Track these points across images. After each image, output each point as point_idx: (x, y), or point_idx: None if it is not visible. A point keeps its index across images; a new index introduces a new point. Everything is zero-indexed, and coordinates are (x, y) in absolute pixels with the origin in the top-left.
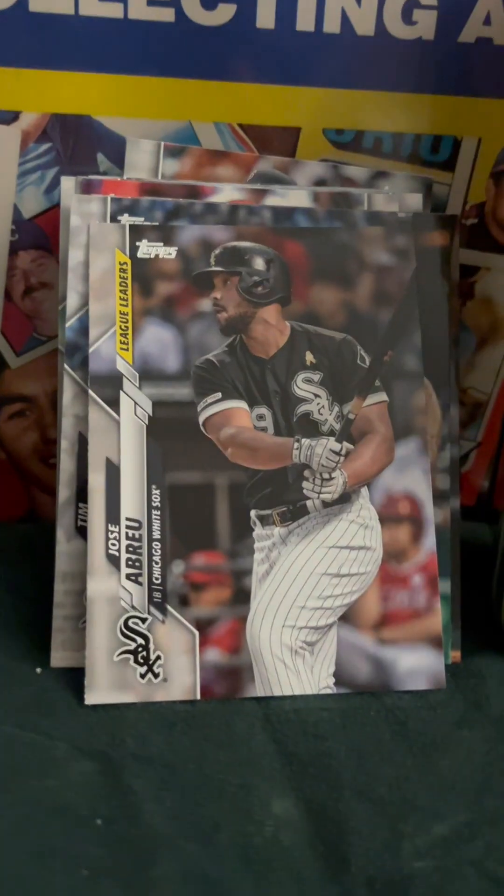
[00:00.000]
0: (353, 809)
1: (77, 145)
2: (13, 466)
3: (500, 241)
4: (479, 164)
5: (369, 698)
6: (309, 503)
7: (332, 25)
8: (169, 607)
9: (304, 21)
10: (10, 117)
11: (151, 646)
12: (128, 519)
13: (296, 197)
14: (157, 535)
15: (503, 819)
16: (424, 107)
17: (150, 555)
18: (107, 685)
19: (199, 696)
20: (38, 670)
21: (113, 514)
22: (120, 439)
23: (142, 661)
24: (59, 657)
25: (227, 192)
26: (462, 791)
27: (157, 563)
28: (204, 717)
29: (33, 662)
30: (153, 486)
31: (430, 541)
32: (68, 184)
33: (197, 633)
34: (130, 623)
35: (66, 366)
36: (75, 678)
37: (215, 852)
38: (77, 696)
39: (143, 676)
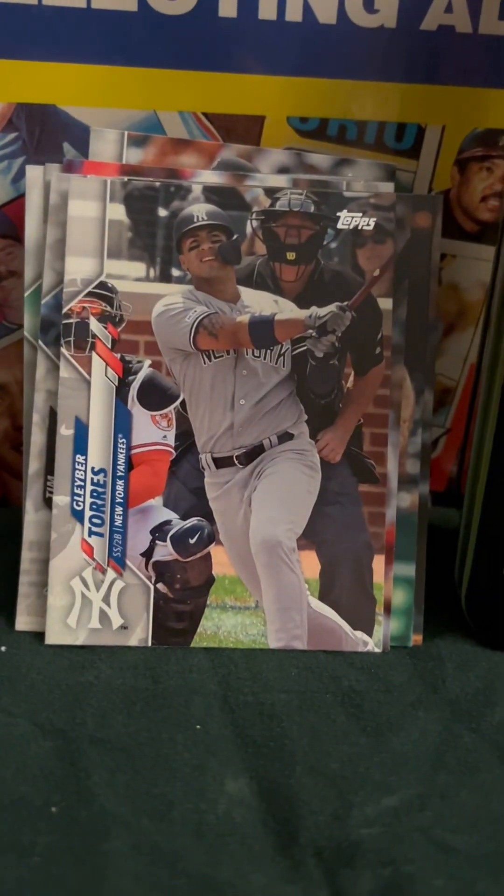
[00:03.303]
0: (304, 785)
1: (43, 134)
2: None
3: (466, 228)
4: (443, 152)
5: (327, 681)
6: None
7: (294, 14)
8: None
9: (267, 10)
10: None
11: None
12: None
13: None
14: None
15: (454, 793)
16: (388, 94)
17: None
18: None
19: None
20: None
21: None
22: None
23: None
24: (24, 621)
25: (205, 177)
26: (414, 767)
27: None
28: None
29: None
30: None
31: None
32: (34, 172)
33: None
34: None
35: (39, 342)
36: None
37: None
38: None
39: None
